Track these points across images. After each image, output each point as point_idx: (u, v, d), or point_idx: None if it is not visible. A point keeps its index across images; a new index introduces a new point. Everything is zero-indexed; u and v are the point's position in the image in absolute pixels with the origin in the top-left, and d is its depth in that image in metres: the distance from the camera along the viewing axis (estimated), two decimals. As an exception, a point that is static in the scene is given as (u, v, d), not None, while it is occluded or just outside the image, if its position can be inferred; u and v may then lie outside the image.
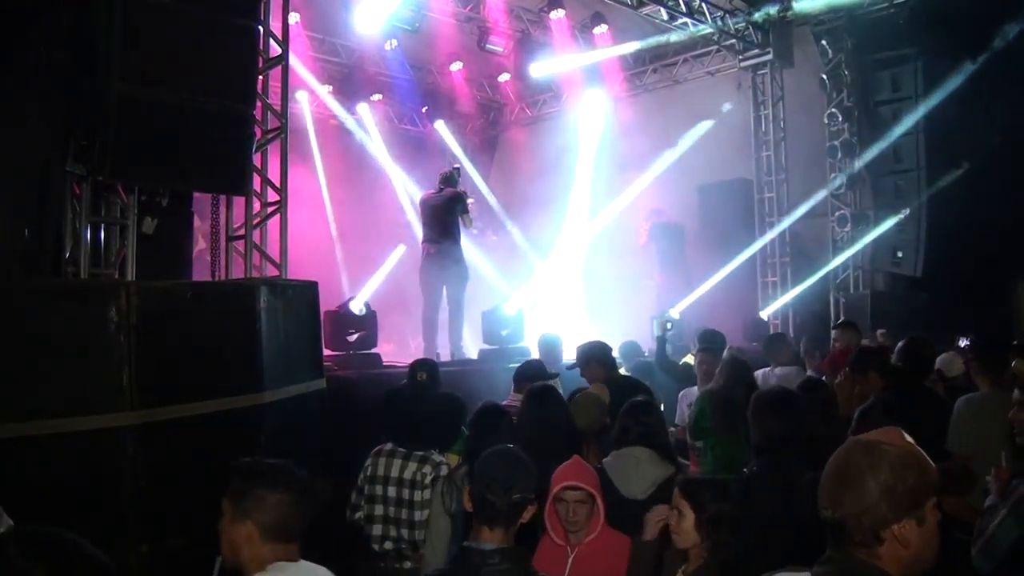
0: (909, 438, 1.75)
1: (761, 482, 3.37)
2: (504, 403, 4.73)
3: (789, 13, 10.90)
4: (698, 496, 2.71)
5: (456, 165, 9.33)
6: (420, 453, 3.83)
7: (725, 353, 5.80)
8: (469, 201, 8.80)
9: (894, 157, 10.28)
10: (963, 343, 6.75)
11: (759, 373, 6.15)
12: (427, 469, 3.78)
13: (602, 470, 3.53)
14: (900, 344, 4.95)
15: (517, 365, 5.48)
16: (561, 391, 4.51)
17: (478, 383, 6.29)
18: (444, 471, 3.71)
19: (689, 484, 2.79)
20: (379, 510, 3.83)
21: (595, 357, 5.48)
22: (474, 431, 3.67)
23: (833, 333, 7.39)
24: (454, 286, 8.67)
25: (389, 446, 3.89)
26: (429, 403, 4.10)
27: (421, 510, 3.73)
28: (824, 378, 5.40)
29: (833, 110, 10.86)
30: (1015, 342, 5.07)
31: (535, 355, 6.59)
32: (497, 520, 2.38)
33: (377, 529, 3.83)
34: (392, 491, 3.80)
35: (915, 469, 1.70)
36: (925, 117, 9.70)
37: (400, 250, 8.81)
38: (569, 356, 7.51)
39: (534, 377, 4.94)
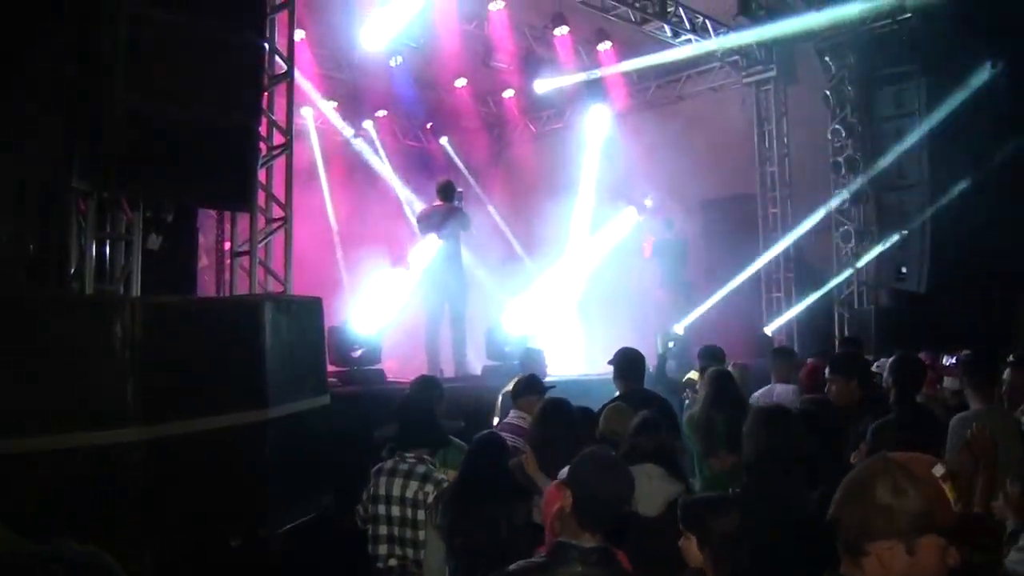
0: (940, 471, 1.72)
1: (750, 499, 3.35)
2: (507, 421, 4.70)
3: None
4: (696, 518, 2.75)
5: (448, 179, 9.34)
6: (421, 471, 3.78)
7: (708, 372, 5.69)
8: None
9: (897, 173, 10.28)
10: (948, 362, 6.70)
11: (758, 393, 6.10)
12: (429, 487, 3.73)
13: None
14: (892, 360, 4.91)
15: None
16: None
17: (482, 399, 6.26)
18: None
19: (687, 507, 2.83)
20: (383, 530, 3.79)
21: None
22: (471, 461, 3.59)
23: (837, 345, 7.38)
24: (455, 301, 8.66)
25: (389, 464, 3.85)
26: (414, 405, 4.11)
27: (426, 529, 3.68)
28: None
29: (836, 126, 10.88)
30: (1011, 356, 5.04)
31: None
32: (594, 525, 2.48)
33: (382, 549, 3.79)
34: (396, 510, 3.76)
35: (927, 499, 1.67)
36: (928, 133, 9.69)
37: (405, 266, 8.83)
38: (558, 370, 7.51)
39: (537, 391, 4.88)
